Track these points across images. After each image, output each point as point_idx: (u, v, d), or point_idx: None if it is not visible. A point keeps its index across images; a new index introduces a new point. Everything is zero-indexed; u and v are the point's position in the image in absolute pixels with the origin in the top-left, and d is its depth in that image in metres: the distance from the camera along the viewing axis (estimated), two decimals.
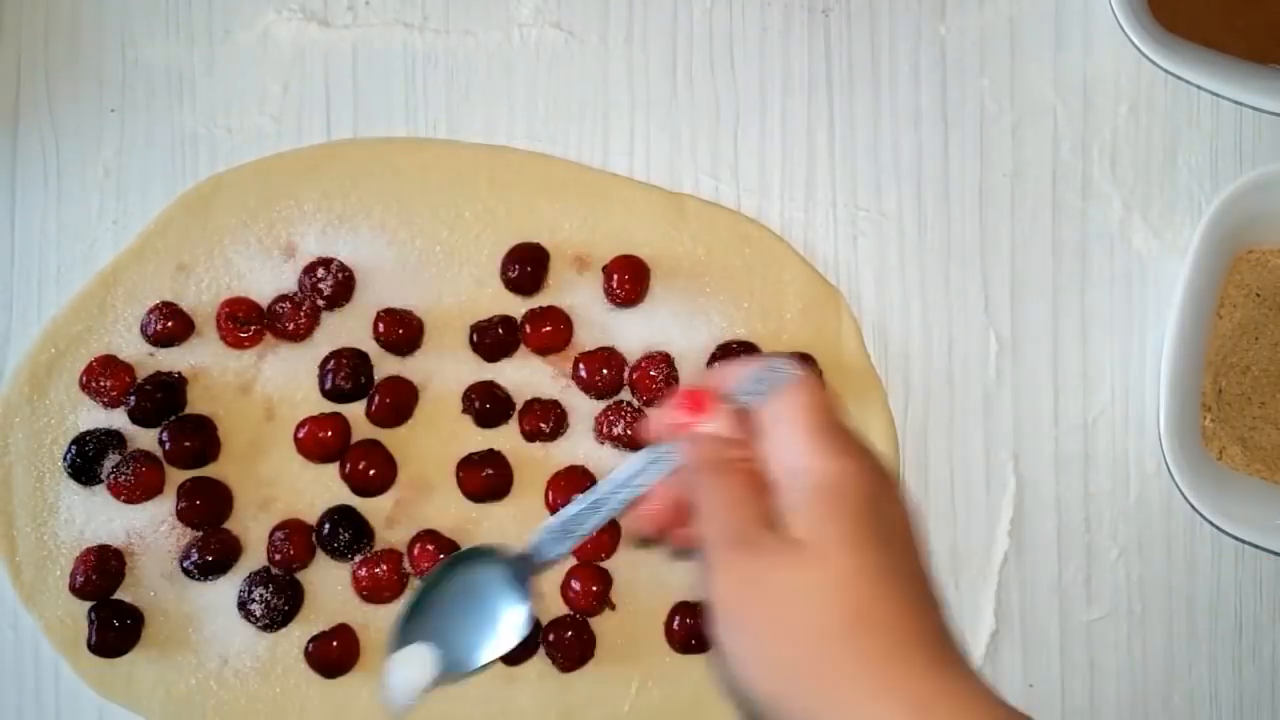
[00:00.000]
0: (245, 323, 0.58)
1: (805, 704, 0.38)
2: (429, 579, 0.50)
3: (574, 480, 0.59)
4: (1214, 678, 0.62)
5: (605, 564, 0.58)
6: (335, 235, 0.60)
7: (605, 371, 0.58)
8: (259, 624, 0.57)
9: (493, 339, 0.59)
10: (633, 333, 0.60)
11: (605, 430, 0.59)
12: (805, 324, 0.60)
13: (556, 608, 0.59)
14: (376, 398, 0.58)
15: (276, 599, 0.57)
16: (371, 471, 0.58)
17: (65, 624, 0.58)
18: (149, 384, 0.58)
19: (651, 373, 0.58)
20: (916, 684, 0.37)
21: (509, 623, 0.49)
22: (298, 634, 0.58)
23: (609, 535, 0.58)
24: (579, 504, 0.47)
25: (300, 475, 0.59)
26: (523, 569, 0.48)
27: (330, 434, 0.58)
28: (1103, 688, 0.61)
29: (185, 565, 0.57)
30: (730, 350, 0.59)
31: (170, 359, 0.59)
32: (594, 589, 0.58)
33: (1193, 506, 0.59)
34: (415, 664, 0.48)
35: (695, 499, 0.44)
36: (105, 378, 0.58)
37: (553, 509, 0.58)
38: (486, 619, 0.49)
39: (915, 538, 0.43)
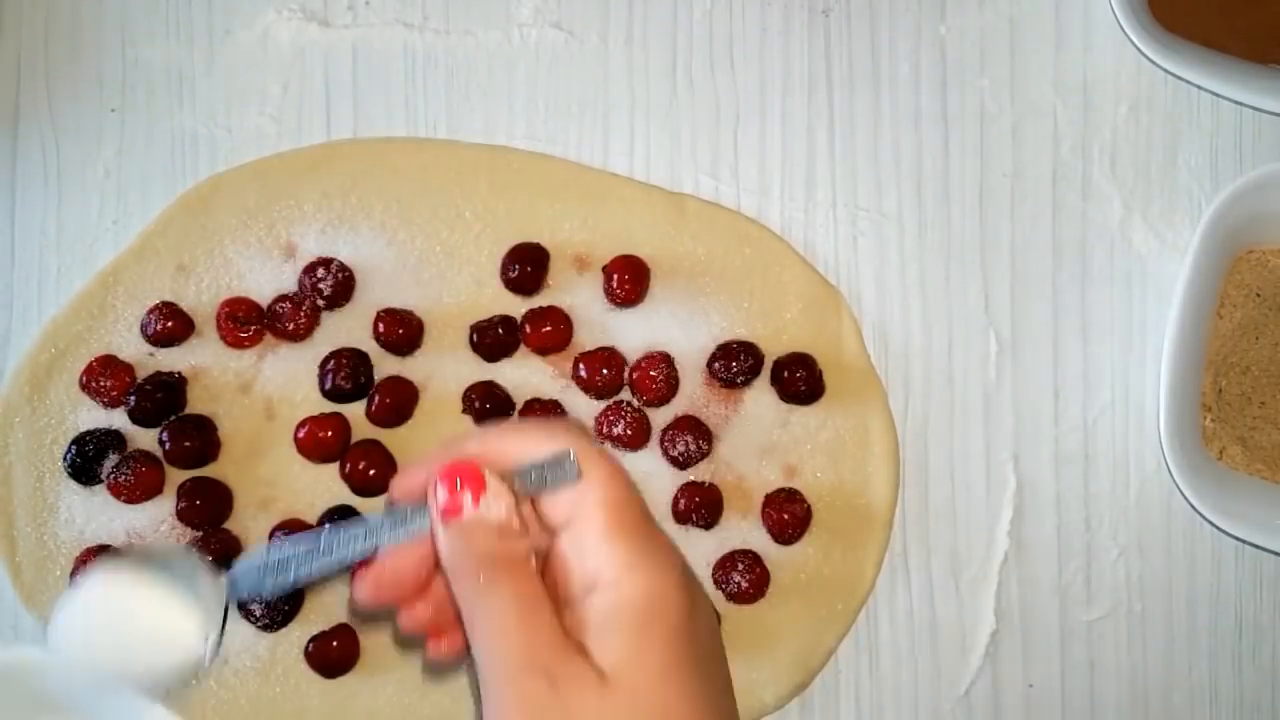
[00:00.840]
0: (245, 323, 0.58)
1: None
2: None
3: None
4: (1214, 677, 0.62)
5: None
6: (335, 235, 0.60)
7: (605, 371, 0.58)
8: (259, 624, 0.57)
9: (493, 339, 0.59)
10: (633, 333, 0.60)
11: (605, 430, 0.59)
12: (805, 324, 0.60)
13: None
14: (376, 398, 0.58)
15: (277, 599, 0.57)
16: (371, 471, 0.58)
17: None
18: (149, 384, 0.58)
19: (651, 373, 0.58)
20: None
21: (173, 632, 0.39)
22: (298, 634, 0.58)
23: None
24: (294, 544, 0.39)
25: (300, 475, 0.59)
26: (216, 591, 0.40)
27: (330, 434, 0.58)
28: (1103, 687, 0.61)
29: None
30: (730, 351, 0.59)
31: (170, 359, 0.59)
32: None
33: (1193, 506, 0.59)
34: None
35: (468, 610, 0.37)
36: (105, 378, 0.58)
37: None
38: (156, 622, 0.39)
39: (721, 649, 0.38)
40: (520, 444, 0.39)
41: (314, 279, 0.58)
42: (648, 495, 0.59)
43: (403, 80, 0.62)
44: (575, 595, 0.37)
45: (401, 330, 0.58)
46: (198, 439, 0.58)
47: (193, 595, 0.39)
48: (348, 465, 0.58)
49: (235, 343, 0.59)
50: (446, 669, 0.57)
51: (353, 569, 0.40)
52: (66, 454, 0.57)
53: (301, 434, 0.58)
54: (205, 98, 0.61)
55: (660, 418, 0.59)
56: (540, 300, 0.60)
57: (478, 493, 0.37)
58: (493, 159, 0.61)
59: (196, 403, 0.59)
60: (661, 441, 0.59)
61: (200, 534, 0.58)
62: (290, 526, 0.58)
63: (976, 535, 0.61)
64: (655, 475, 0.59)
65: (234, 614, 0.58)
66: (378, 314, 0.59)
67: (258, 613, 0.57)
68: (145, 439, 0.58)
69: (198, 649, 0.39)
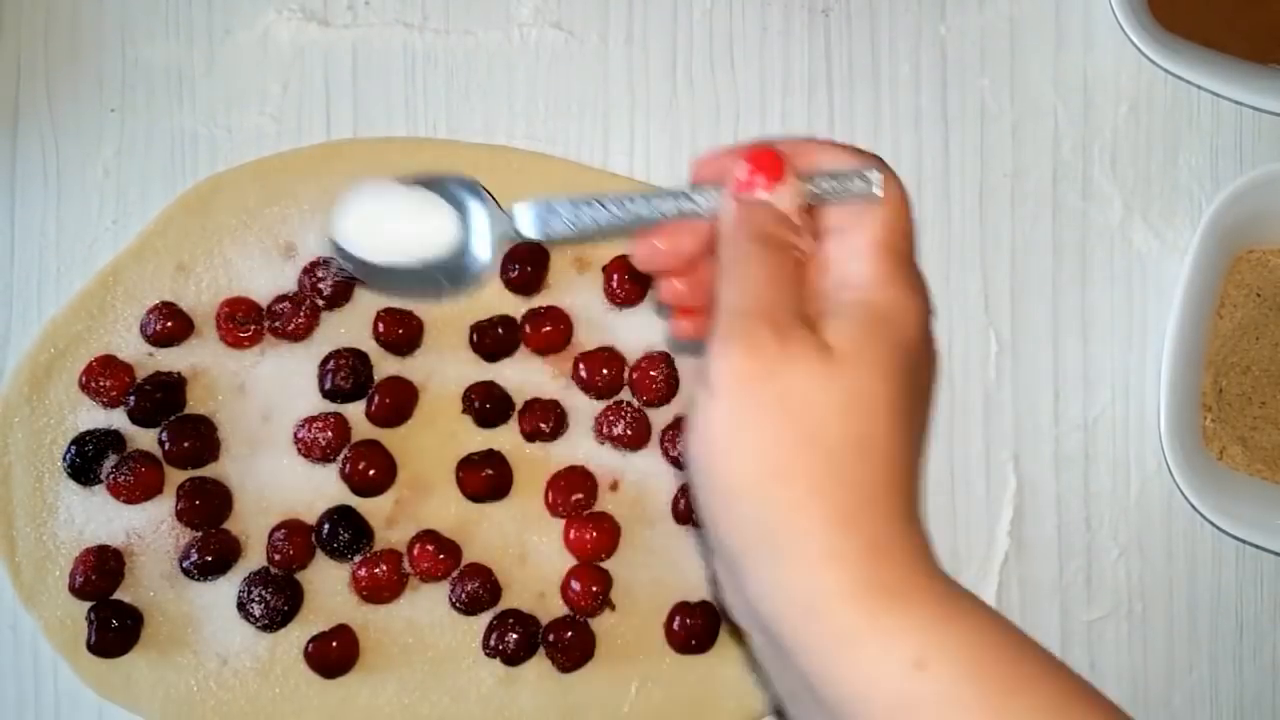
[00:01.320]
0: (245, 323, 0.58)
1: (759, 513, 0.35)
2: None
3: (574, 480, 0.58)
4: (1214, 678, 0.62)
5: (605, 564, 0.58)
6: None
7: (605, 371, 0.58)
8: (258, 624, 0.57)
9: (493, 339, 0.59)
10: (633, 333, 0.60)
11: (605, 430, 0.59)
12: None
13: (556, 607, 0.59)
14: (376, 398, 0.58)
15: (276, 599, 0.57)
16: (371, 471, 0.58)
17: (64, 624, 0.58)
18: (148, 384, 0.58)
19: (651, 373, 0.58)
20: (882, 526, 0.36)
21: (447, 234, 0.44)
22: (297, 634, 0.58)
23: (609, 537, 0.58)
24: (585, 198, 0.42)
25: (300, 475, 0.59)
26: (498, 220, 0.44)
27: (330, 434, 0.58)
28: (1103, 687, 0.60)
29: (185, 565, 0.57)
30: None
31: (170, 359, 0.59)
32: (594, 589, 0.57)
33: (1193, 506, 0.59)
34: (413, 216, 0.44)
35: (726, 264, 0.39)
36: (105, 377, 0.57)
37: (552, 509, 0.58)
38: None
39: (932, 400, 0.40)
40: (826, 155, 0.41)
41: (314, 279, 0.58)
42: (648, 495, 0.59)
43: (403, 80, 0.62)
44: (825, 291, 0.39)
45: (401, 330, 0.58)
46: (197, 439, 0.58)
47: (462, 211, 0.45)
48: (348, 465, 0.58)
49: (235, 343, 0.59)
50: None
51: (634, 232, 0.42)
52: (66, 454, 0.57)
53: (301, 434, 0.58)
54: (205, 98, 0.61)
55: (660, 418, 0.59)
56: (540, 300, 0.60)
57: (773, 180, 0.39)
58: (493, 159, 0.61)
59: (196, 403, 0.59)
60: (661, 441, 0.59)
61: (200, 534, 0.58)
62: (290, 526, 0.58)
63: (976, 535, 0.61)
64: (655, 475, 0.59)
65: (233, 614, 0.58)
66: (377, 314, 0.59)
67: (257, 613, 0.57)
68: (145, 439, 0.58)
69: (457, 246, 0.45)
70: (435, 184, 0.46)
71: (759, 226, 0.39)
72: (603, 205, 0.42)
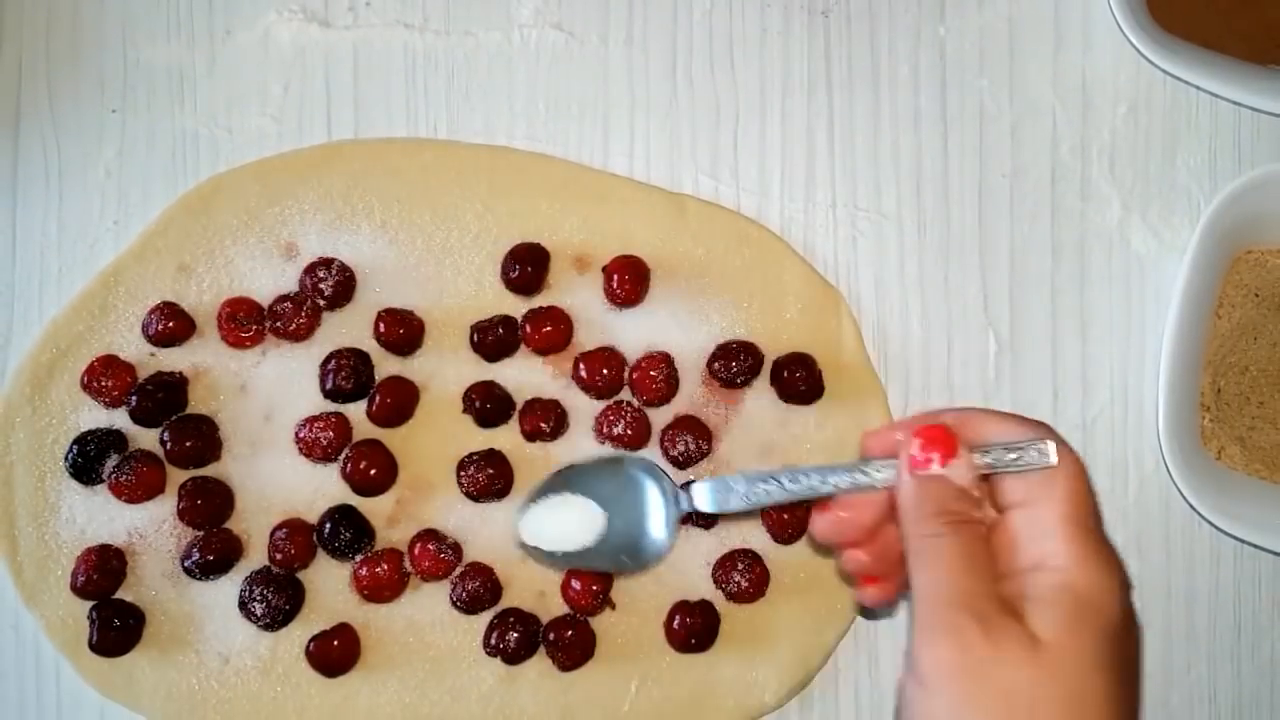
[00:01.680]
0: (246, 323, 0.58)
1: None
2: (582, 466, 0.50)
3: None
4: (1213, 677, 0.62)
5: None
6: (336, 235, 0.60)
7: (605, 371, 0.58)
8: (260, 623, 0.57)
9: (493, 339, 0.59)
10: (633, 333, 0.60)
11: (605, 430, 0.59)
12: (805, 324, 0.60)
13: (556, 607, 0.59)
14: (377, 397, 0.58)
15: (277, 598, 0.57)
16: (372, 471, 0.58)
17: (66, 623, 0.58)
18: (150, 384, 0.58)
19: (651, 373, 0.58)
20: None
21: (655, 526, 0.49)
22: (298, 633, 0.58)
23: None
24: (767, 472, 0.44)
25: (300, 475, 0.59)
26: (673, 497, 0.48)
27: (331, 434, 0.58)
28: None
29: (186, 565, 0.57)
30: (730, 350, 0.59)
31: (171, 359, 0.59)
32: (594, 588, 0.58)
33: (1191, 506, 0.59)
34: (572, 514, 0.49)
35: (916, 546, 0.39)
36: (106, 378, 0.58)
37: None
38: (639, 513, 0.49)
39: (1139, 674, 0.39)
40: (996, 425, 0.41)
41: (315, 279, 0.58)
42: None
43: (403, 81, 0.62)
44: (1017, 569, 0.39)
45: (402, 330, 0.58)
46: (199, 439, 0.58)
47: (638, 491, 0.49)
48: (348, 465, 0.58)
49: (236, 343, 0.59)
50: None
51: (811, 505, 0.44)
52: (68, 454, 0.58)
53: (302, 434, 0.58)
54: (206, 98, 0.61)
55: (660, 418, 0.60)
56: (540, 300, 0.60)
57: (947, 455, 0.40)
58: (493, 159, 0.61)
59: (198, 403, 0.59)
60: (661, 441, 0.59)
61: (201, 533, 0.58)
62: (292, 526, 0.58)
63: None
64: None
65: (235, 614, 0.58)
66: (378, 314, 0.59)
67: (259, 612, 0.57)
68: (146, 439, 0.59)
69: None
70: (614, 463, 0.50)
71: (941, 504, 0.39)
72: (778, 481, 0.44)
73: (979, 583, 0.38)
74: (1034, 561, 0.39)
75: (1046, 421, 0.43)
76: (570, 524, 0.49)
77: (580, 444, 0.59)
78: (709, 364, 0.59)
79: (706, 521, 0.58)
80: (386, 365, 0.59)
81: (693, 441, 0.58)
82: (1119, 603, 0.38)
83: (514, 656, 0.58)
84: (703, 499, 0.46)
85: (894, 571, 0.43)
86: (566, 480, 0.50)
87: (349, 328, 0.59)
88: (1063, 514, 0.39)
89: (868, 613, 0.60)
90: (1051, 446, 0.40)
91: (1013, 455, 0.40)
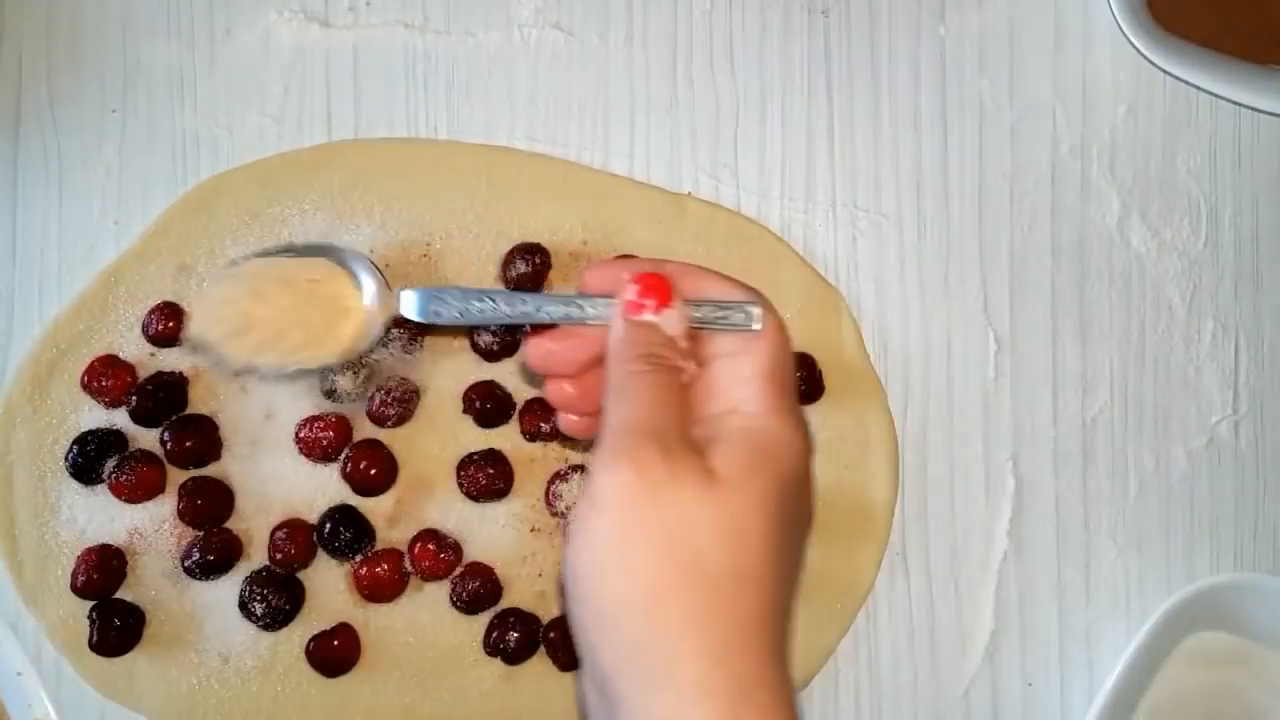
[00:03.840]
0: None
1: (636, 636, 0.36)
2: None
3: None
4: None
5: None
6: (335, 235, 0.60)
7: None
8: (260, 623, 0.57)
9: (493, 339, 0.59)
10: None
11: None
12: (805, 324, 0.60)
13: (557, 607, 0.59)
14: (378, 397, 0.58)
15: (277, 598, 0.57)
16: (372, 471, 0.58)
17: (66, 623, 0.58)
18: (150, 384, 0.58)
19: None
20: (753, 663, 0.36)
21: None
22: (299, 633, 0.58)
23: None
24: (485, 290, 0.46)
25: (300, 475, 0.59)
26: (385, 299, 0.49)
27: (331, 434, 0.58)
28: (1101, 687, 0.61)
29: (186, 564, 0.57)
30: None
31: (171, 359, 0.59)
32: None
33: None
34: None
35: (615, 382, 0.41)
36: (107, 377, 0.58)
37: (553, 508, 0.58)
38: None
39: (806, 539, 0.41)
40: (712, 284, 0.43)
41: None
42: None
43: (403, 81, 0.62)
44: (710, 414, 0.40)
45: (403, 329, 0.58)
46: (199, 439, 0.58)
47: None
48: (348, 465, 0.58)
49: None
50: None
51: (524, 331, 0.45)
52: (68, 454, 0.58)
53: (302, 434, 0.58)
54: (206, 98, 0.61)
55: None
56: None
57: (661, 304, 0.42)
58: (492, 159, 0.61)
59: (198, 402, 0.59)
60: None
61: (201, 533, 0.58)
62: (292, 526, 0.58)
63: (976, 535, 0.61)
64: None
65: (235, 613, 0.58)
66: None
67: (259, 612, 0.57)
68: (146, 439, 0.59)
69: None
70: (329, 251, 0.50)
71: (646, 348, 0.41)
72: (492, 300, 0.45)
73: (669, 417, 0.39)
74: (727, 407, 0.40)
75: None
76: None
77: (580, 444, 0.59)
78: None
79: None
80: (387, 366, 0.59)
81: None
82: (798, 457, 0.39)
83: (514, 656, 0.58)
84: (410, 305, 0.47)
85: (595, 409, 0.44)
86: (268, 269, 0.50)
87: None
88: (761, 368, 0.40)
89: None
90: (758, 311, 0.42)
91: (721, 314, 0.42)
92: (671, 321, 0.42)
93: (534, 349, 0.44)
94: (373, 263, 0.51)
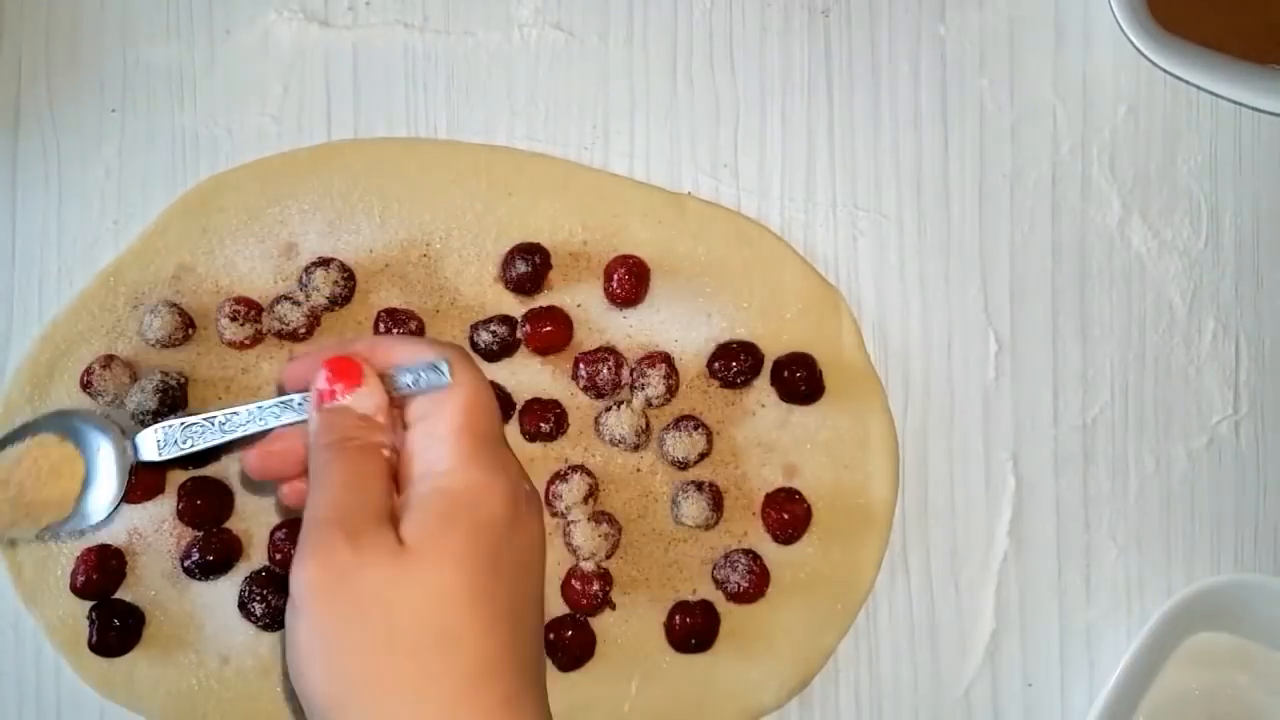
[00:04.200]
0: (246, 323, 0.58)
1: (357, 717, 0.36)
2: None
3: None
4: None
5: (605, 564, 0.59)
6: (336, 235, 0.60)
7: (605, 371, 0.58)
8: (260, 623, 0.57)
9: (493, 339, 0.59)
10: (633, 333, 0.60)
11: (605, 430, 0.59)
12: (805, 324, 0.60)
13: (556, 607, 0.59)
14: None
15: (277, 598, 0.57)
16: None
17: (66, 623, 0.58)
18: (149, 384, 0.58)
19: (651, 373, 0.58)
20: (485, 714, 0.36)
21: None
22: None
23: (609, 537, 0.58)
24: (200, 417, 0.47)
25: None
26: (123, 449, 0.51)
27: None
28: (1102, 688, 0.61)
29: (186, 565, 0.57)
30: (730, 350, 0.59)
31: (171, 359, 0.59)
32: (594, 589, 0.58)
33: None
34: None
35: (313, 475, 0.41)
36: (106, 378, 0.58)
37: (553, 509, 0.58)
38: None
39: (536, 570, 0.41)
40: (403, 351, 0.43)
41: (314, 279, 0.58)
42: (648, 494, 0.59)
43: (403, 80, 0.62)
44: (411, 481, 0.40)
45: (401, 331, 0.58)
46: None
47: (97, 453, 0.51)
48: None
49: (236, 343, 0.59)
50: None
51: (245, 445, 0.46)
52: None
53: None
54: (206, 98, 0.61)
55: (660, 418, 0.59)
56: (540, 300, 0.60)
57: (350, 385, 0.41)
58: (493, 159, 0.61)
59: (197, 402, 0.59)
60: (661, 442, 0.59)
61: (201, 533, 0.58)
62: (291, 526, 0.58)
63: (976, 535, 0.61)
64: (655, 475, 0.59)
65: (235, 614, 0.58)
66: (378, 314, 0.59)
67: (258, 612, 0.57)
68: None
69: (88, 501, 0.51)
70: (58, 423, 0.52)
71: (340, 432, 0.41)
72: (211, 424, 0.46)
73: (358, 499, 0.38)
74: (423, 470, 0.40)
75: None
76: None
77: (580, 444, 0.59)
78: (709, 364, 0.59)
79: (706, 522, 0.58)
80: None
81: (692, 442, 0.58)
82: (499, 499, 0.39)
83: None
84: (147, 448, 0.49)
85: None
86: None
87: (349, 328, 0.59)
88: (454, 425, 0.40)
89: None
90: (445, 365, 0.41)
91: (410, 378, 0.42)
92: (363, 400, 0.41)
93: (250, 462, 0.45)
94: (110, 418, 0.53)
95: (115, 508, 0.52)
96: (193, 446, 0.47)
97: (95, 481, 0.51)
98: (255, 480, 0.47)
